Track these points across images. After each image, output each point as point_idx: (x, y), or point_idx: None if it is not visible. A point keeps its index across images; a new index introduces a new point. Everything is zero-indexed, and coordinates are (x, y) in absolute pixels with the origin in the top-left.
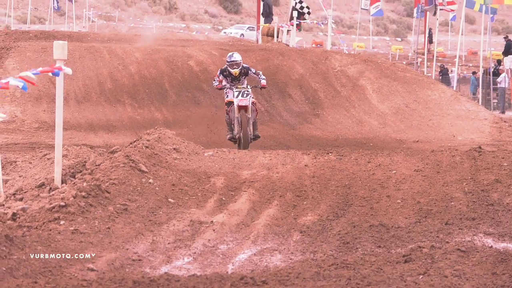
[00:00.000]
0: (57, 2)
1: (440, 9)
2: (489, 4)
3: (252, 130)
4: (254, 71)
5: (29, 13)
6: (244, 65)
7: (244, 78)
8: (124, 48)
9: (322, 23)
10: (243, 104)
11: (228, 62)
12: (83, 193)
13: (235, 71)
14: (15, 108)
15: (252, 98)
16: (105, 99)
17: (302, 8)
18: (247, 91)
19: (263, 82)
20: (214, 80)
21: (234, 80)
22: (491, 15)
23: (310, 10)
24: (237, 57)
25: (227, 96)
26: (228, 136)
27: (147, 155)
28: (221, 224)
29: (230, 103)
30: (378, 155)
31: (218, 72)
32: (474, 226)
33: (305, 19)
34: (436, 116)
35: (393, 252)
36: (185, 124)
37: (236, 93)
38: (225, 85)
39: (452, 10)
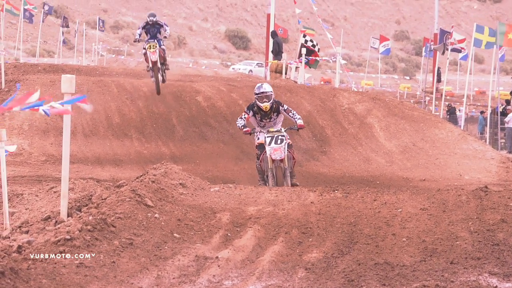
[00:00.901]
0: (62, 36)
1: (451, 49)
2: (500, 45)
3: (289, 183)
4: (285, 108)
5: (38, 46)
6: (276, 99)
7: (276, 115)
8: (132, 83)
9: (332, 60)
10: (278, 158)
11: (256, 94)
12: (89, 227)
13: (266, 105)
14: (23, 141)
15: (288, 140)
16: (113, 133)
17: (314, 46)
18: (282, 135)
19: (300, 122)
20: (240, 118)
21: (265, 117)
22: (501, 53)
23: (319, 47)
24: (267, 87)
25: (258, 138)
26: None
27: (153, 190)
28: (226, 259)
29: (262, 146)
30: (384, 193)
31: (246, 108)
32: (479, 265)
33: (318, 57)
34: (443, 155)
35: None
36: (192, 159)
37: (268, 139)
38: (255, 129)
39: (463, 49)
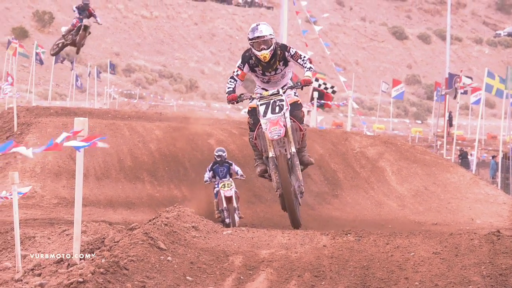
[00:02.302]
0: (79, 80)
1: (462, 92)
2: (510, 90)
3: (299, 175)
4: (293, 53)
5: (51, 89)
6: (280, 43)
7: (284, 65)
8: (144, 126)
9: (343, 104)
10: (276, 137)
11: (250, 40)
12: (101, 270)
13: (264, 54)
14: (35, 184)
15: (296, 97)
16: (125, 176)
17: (326, 88)
18: (280, 100)
19: (308, 74)
20: (231, 79)
21: (268, 70)
22: None
23: (336, 89)
24: (264, 30)
25: (251, 99)
26: (258, 170)
27: (166, 233)
28: None
29: (255, 112)
30: (396, 236)
31: (239, 62)
32: None
33: (330, 102)
34: (455, 199)
35: None
36: (204, 202)
37: (262, 108)
38: (242, 95)
39: (472, 87)
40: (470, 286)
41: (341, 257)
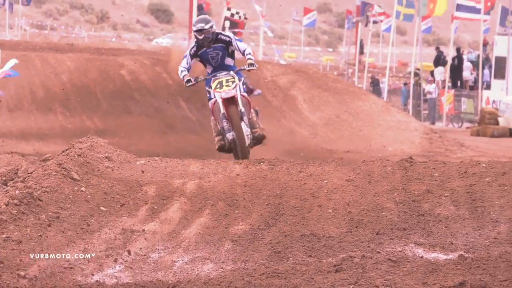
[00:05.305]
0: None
1: (374, 21)
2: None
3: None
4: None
5: None
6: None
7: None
8: (56, 57)
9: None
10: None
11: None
12: (16, 201)
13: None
14: None
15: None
16: (37, 108)
17: (240, 17)
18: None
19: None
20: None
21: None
22: (427, 25)
23: (247, 16)
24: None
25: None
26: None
27: (80, 163)
28: (153, 232)
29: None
30: (309, 164)
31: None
32: (405, 236)
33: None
34: (367, 126)
35: (324, 262)
36: (116, 133)
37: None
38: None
39: (381, 21)
40: (383, 213)
41: (255, 186)
